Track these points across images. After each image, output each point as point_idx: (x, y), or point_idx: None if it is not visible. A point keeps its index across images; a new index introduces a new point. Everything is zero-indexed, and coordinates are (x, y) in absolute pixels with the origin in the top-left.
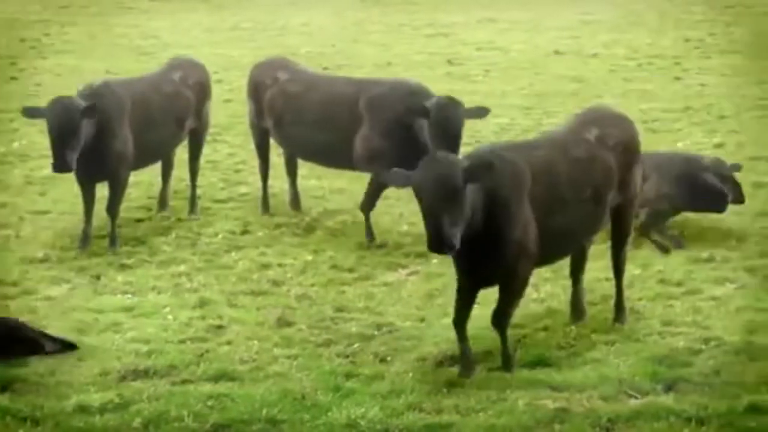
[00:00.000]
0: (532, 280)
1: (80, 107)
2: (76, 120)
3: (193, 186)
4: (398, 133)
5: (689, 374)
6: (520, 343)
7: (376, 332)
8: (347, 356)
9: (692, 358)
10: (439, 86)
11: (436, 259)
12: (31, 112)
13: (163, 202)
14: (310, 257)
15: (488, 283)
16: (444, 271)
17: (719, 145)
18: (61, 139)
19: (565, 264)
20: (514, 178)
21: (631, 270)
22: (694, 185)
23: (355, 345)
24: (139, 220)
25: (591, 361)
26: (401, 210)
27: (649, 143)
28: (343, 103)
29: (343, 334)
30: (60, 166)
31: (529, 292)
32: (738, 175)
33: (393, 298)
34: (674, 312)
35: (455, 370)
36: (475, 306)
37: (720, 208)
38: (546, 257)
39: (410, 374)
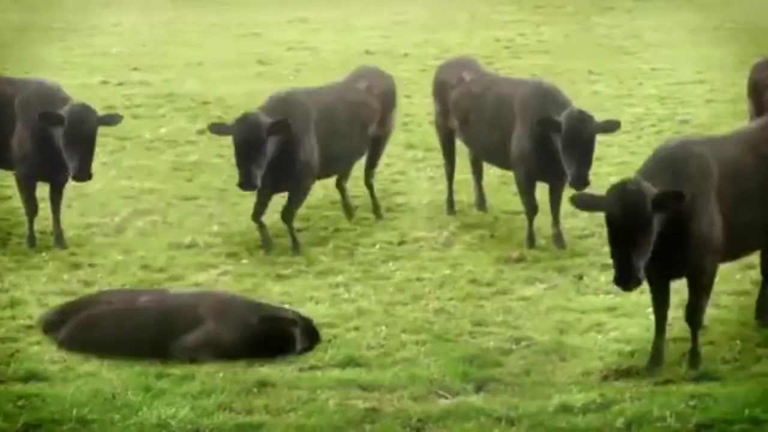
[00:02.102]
0: (343, 279)
1: (267, 124)
2: (263, 137)
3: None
4: (539, 134)
5: (500, 374)
6: (330, 343)
7: None
8: None
9: (503, 358)
10: (250, 86)
11: (246, 260)
12: (216, 129)
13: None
14: (120, 257)
15: (675, 276)
16: (254, 271)
17: None
18: (247, 156)
19: (376, 263)
20: (701, 174)
21: (441, 270)
22: None
23: None
24: None
25: (401, 361)
26: (211, 210)
27: (460, 143)
28: (506, 104)
29: None
30: (246, 184)
31: (341, 292)
32: None
33: None
34: (485, 312)
35: (266, 370)
36: (286, 306)
37: None
38: (733, 252)
39: (221, 374)
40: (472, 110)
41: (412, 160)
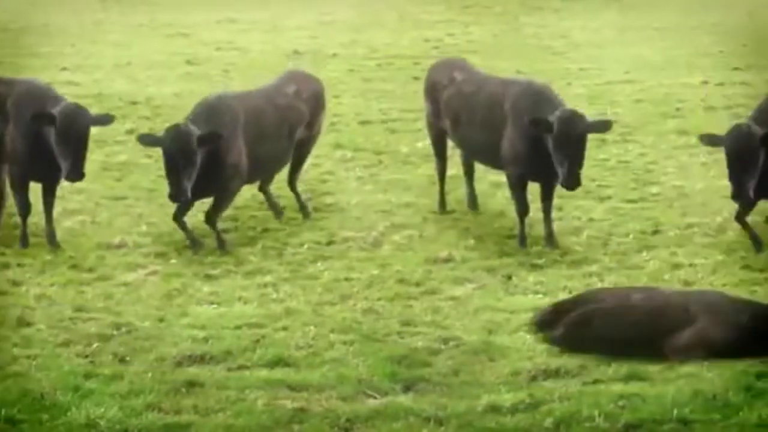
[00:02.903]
0: (271, 279)
1: (196, 135)
2: (193, 149)
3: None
4: (533, 135)
5: (428, 374)
6: (259, 343)
7: (115, 332)
8: (86, 356)
9: (431, 357)
10: (178, 86)
11: (175, 260)
12: (146, 140)
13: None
14: (48, 257)
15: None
16: (183, 271)
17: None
18: (177, 169)
19: (304, 263)
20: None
21: (369, 270)
22: None
23: (95, 345)
24: None
25: (330, 361)
26: (140, 210)
27: (389, 143)
28: (495, 104)
29: (82, 334)
30: (177, 196)
31: (269, 291)
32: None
33: (132, 297)
34: (413, 312)
35: (195, 370)
36: (215, 306)
37: None
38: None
39: (149, 374)
40: (462, 110)
41: (340, 160)
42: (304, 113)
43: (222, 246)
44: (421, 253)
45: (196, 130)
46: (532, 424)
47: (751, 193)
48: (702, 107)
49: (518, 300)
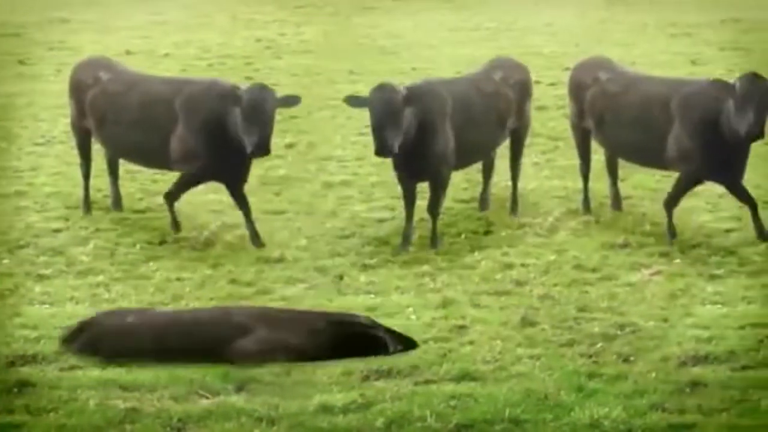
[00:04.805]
0: (103, 279)
1: (402, 93)
2: (399, 105)
3: (515, 186)
4: (213, 132)
5: (260, 374)
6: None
7: None
8: None
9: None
10: (10, 86)
11: (7, 260)
12: (354, 102)
13: (484, 202)
14: None
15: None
16: (14, 271)
17: (290, 146)
18: (383, 122)
19: (137, 263)
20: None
21: (201, 270)
22: None
23: None
24: None
25: None
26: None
27: None
28: (160, 103)
29: None
30: (382, 149)
31: (101, 291)
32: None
33: None
34: None
35: (27, 369)
36: (48, 306)
37: None
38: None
39: None
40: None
41: None
42: (512, 101)
43: (434, 245)
44: (253, 253)
45: (402, 89)
46: (363, 424)
47: (396, 148)
48: (534, 107)
49: (350, 300)
